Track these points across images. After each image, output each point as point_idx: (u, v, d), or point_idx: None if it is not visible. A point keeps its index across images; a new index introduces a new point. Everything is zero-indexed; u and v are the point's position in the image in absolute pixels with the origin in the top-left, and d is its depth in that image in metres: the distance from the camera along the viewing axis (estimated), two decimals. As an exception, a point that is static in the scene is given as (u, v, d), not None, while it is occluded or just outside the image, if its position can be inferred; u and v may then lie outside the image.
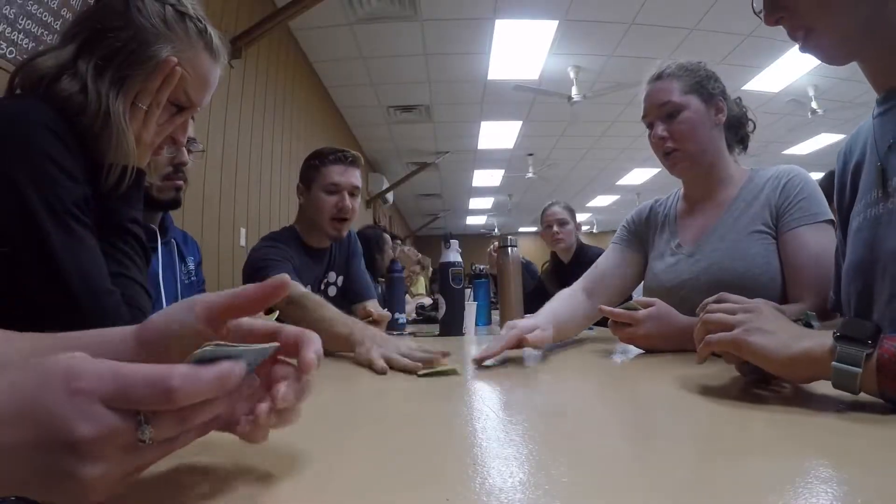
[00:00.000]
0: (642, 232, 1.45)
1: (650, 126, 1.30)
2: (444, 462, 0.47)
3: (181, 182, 1.35)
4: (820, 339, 0.59)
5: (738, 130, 1.35)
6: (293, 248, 1.82)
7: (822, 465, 0.43)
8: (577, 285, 1.37)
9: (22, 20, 1.71)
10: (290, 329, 0.45)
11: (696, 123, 1.25)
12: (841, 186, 0.94)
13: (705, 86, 1.26)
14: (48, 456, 0.29)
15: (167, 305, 1.37)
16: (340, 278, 2.01)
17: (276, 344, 0.43)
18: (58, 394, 0.30)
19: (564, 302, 1.30)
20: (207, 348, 0.35)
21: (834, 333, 0.58)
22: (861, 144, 0.88)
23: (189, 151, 1.37)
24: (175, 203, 1.36)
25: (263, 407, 0.39)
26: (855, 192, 0.88)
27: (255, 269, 1.69)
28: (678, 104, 1.25)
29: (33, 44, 1.74)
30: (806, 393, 0.66)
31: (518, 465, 0.44)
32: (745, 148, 1.37)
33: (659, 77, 1.29)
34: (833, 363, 0.56)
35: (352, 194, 1.85)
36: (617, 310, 1.11)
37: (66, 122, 0.77)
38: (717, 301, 0.73)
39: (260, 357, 0.40)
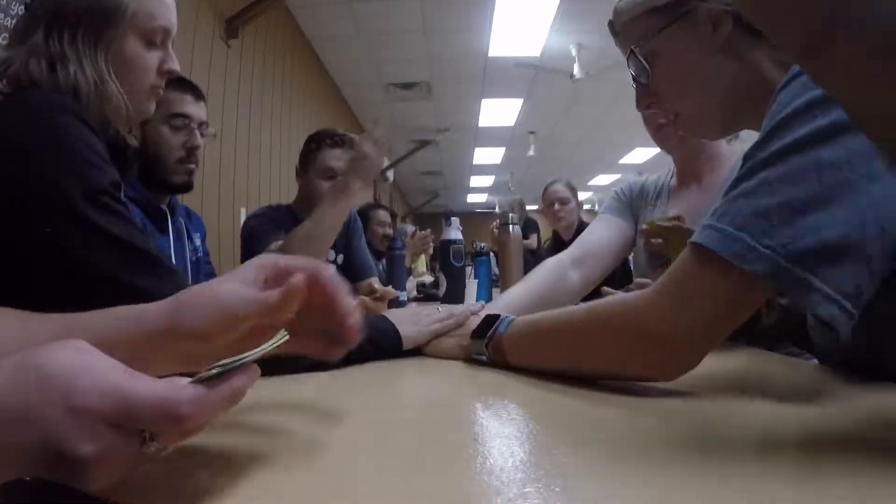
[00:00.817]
0: (636, 204, 1.41)
1: None
2: (445, 442, 0.47)
3: (193, 166, 1.36)
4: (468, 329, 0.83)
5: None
6: (289, 224, 1.82)
7: (831, 461, 0.43)
8: (565, 256, 1.32)
9: (14, 6, 1.69)
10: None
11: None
12: None
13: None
14: (50, 461, 0.29)
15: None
16: (340, 256, 2.03)
17: (285, 336, 0.42)
18: (58, 411, 0.29)
19: (541, 280, 1.26)
20: (214, 370, 0.34)
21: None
22: None
23: (202, 135, 1.37)
24: (188, 186, 1.37)
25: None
26: None
27: (254, 240, 1.74)
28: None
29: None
30: (811, 391, 0.66)
31: (519, 444, 0.45)
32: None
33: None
34: (472, 356, 0.80)
35: None
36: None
37: (83, 109, 0.77)
38: None
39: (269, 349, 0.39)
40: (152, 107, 0.91)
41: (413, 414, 0.58)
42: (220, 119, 3.02)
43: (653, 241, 1.08)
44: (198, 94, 1.37)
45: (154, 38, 0.87)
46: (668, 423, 0.52)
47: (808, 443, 0.46)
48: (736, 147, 1.28)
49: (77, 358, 0.31)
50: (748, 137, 1.30)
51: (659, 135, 1.28)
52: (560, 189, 3.10)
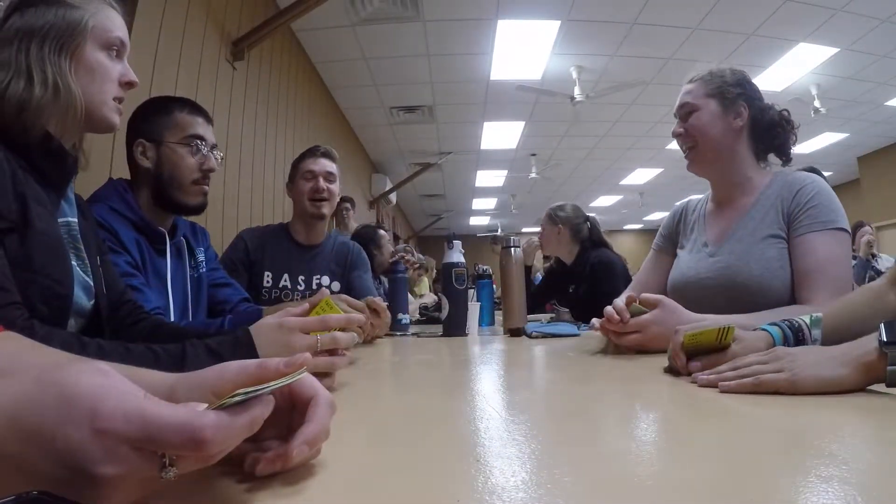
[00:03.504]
0: (674, 234, 1.53)
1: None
2: (448, 461, 0.47)
3: (207, 187, 1.38)
4: (865, 347, 0.64)
5: (768, 139, 1.36)
6: (273, 241, 2.07)
7: (825, 464, 0.43)
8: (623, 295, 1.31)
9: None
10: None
11: (706, 123, 1.34)
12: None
13: (724, 91, 1.35)
14: (67, 478, 0.29)
15: (174, 306, 1.35)
16: (336, 284, 2.09)
17: (302, 372, 0.42)
18: (82, 431, 0.29)
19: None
20: (237, 398, 0.34)
21: (879, 339, 0.62)
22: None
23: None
24: (202, 207, 1.40)
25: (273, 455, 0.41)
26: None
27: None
28: (693, 105, 1.36)
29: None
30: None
31: (520, 464, 0.44)
32: (787, 159, 1.38)
33: (690, 81, 1.40)
34: (888, 367, 0.61)
35: (327, 179, 2.08)
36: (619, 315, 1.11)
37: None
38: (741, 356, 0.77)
39: (288, 382, 0.40)
40: (117, 119, 0.97)
41: (414, 434, 0.58)
42: (224, 139, 3.05)
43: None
44: (208, 118, 1.41)
45: (112, 46, 0.95)
46: (670, 444, 0.51)
47: None
48: (765, 178, 1.34)
49: (100, 380, 0.31)
50: (775, 160, 1.40)
51: (686, 156, 1.40)
52: (539, 228, 2.99)
